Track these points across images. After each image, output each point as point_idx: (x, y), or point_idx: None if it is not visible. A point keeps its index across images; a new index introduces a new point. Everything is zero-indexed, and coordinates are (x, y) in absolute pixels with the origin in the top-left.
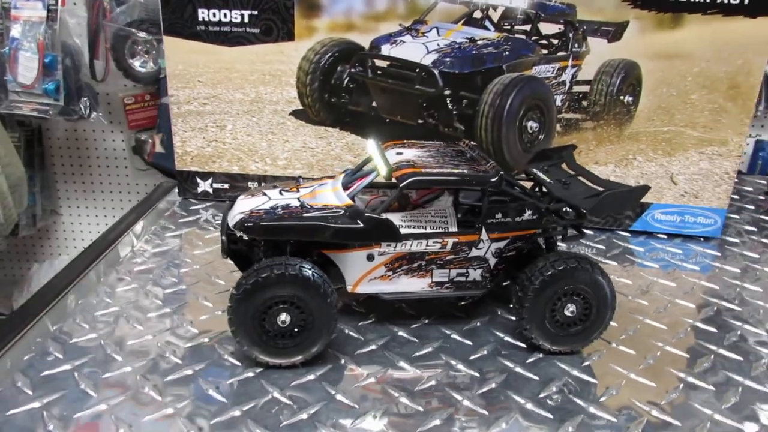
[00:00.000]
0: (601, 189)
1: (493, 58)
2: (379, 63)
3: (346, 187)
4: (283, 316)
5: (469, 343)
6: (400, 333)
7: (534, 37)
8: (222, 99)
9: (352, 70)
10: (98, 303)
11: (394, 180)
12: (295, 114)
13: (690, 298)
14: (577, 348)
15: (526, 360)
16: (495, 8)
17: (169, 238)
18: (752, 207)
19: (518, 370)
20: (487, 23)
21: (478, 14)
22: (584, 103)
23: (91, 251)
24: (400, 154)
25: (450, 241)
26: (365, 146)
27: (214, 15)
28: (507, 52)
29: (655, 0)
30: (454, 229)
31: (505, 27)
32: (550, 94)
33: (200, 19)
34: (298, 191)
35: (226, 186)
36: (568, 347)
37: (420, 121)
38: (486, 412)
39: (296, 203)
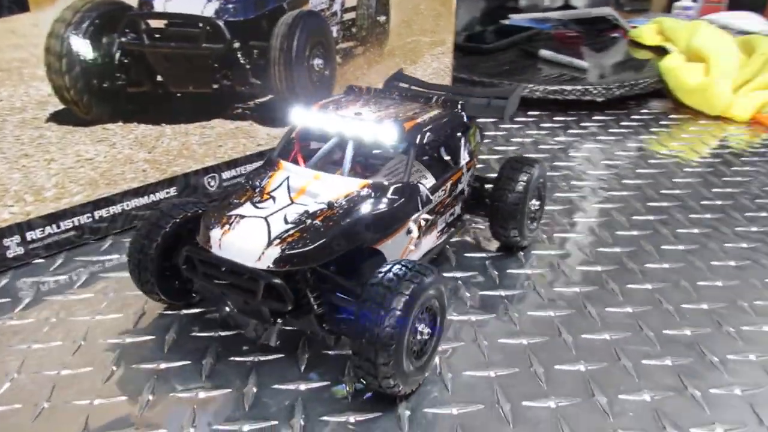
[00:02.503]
0: (482, 98)
1: None
2: (155, 24)
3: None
4: (423, 327)
5: (475, 273)
6: None
7: None
8: None
9: (123, 39)
10: None
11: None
12: (57, 117)
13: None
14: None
15: (522, 262)
16: None
17: None
18: None
19: (530, 271)
20: None
21: None
22: (353, 29)
23: None
24: (360, 114)
25: (449, 183)
26: (288, 119)
27: None
28: None
29: None
30: (429, 175)
31: None
32: (328, 26)
33: None
34: (273, 198)
35: None
36: (532, 236)
37: (215, 87)
38: (573, 310)
39: (318, 206)
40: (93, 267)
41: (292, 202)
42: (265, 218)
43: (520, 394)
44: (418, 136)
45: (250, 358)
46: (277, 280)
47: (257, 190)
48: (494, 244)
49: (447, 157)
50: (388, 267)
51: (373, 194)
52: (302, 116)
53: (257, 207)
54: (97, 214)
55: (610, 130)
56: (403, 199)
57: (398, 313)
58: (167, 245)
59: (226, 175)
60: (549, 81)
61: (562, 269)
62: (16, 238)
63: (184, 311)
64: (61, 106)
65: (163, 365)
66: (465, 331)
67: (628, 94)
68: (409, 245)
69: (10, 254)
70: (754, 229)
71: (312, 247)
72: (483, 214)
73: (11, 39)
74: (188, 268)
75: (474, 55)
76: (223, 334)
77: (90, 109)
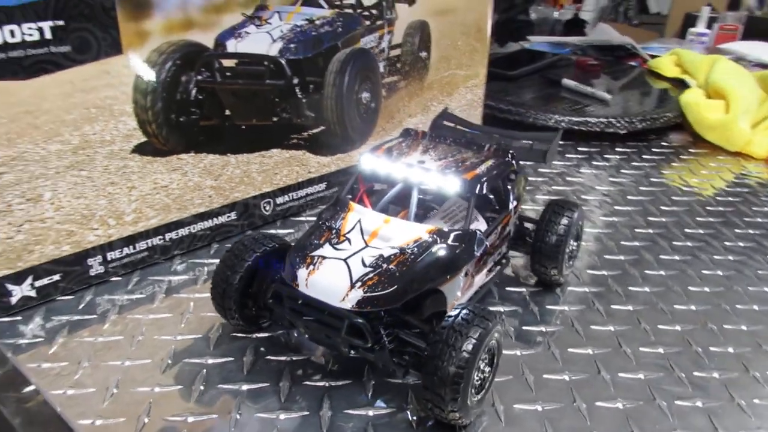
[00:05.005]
0: (527, 141)
1: (330, 37)
2: (226, 63)
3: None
4: (484, 366)
5: (518, 308)
6: None
7: (358, 10)
8: (29, 158)
9: (199, 77)
10: None
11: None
12: (139, 149)
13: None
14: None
15: (561, 299)
16: None
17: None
18: None
19: (568, 308)
20: (321, 1)
21: None
22: (398, 65)
23: None
24: (423, 162)
25: (500, 227)
26: (356, 162)
27: None
28: (340, 29)
29: None
30: (481, 218)
31: (335, 3)
32: (376, 63)
33: None
34: (348, 240)
35: (56, 277)
36: (568, 274)
37: (275, 119)
38: (610, 348)
39: (391, 251)
40: (167, 286)
41: (367, 246)
42: (345, 260)
43: (567, 428)
44: (477, 187)
45: (323, 383)
46: (360, 320)
47: (334, 232)
48: (533, 278)
49: (495, 201)
50: (456, 312)
51: (438, 240)
52: (371, 162)
53: (336, 248)
54: (167, 236)
55: (633, 164)
56: (464, 245)
57: (467, 355)
58: (248, 276)
59: (279, 200)
60: (573, 112)
61: (597, 307)
62: (99, 259)
63: (256, 335)
64: (143, 139)
65: (244, 387)
66: (514, 365)
67: (649, 128)
68: (465, 285)
69: (92, 272)
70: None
71: (389, 291)
72: (524, 252)
73: (105, 79)
74: (275, 301)
75: (499, 81)
76: (295, 358)
77: (168, 140)
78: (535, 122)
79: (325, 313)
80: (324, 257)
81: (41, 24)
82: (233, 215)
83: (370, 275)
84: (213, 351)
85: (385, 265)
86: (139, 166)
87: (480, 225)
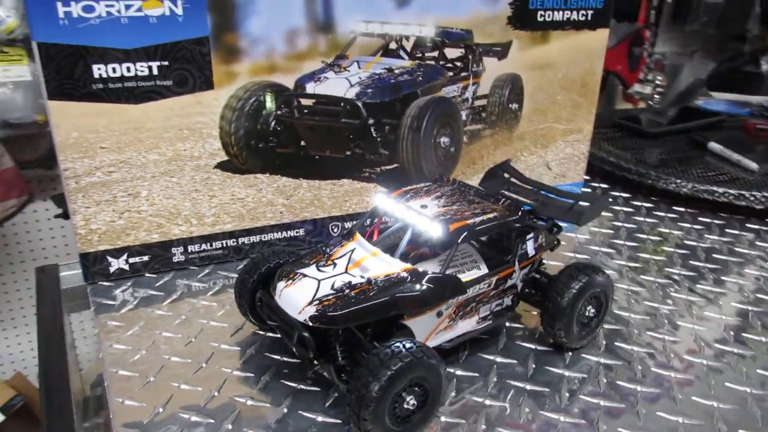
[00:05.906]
0: (568, 201)
1: (409, 85)
2: (304, 102)
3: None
4: (410, 399)
5: (515, 361)
6: (458, 372)
7: (441, 62)
8: (133, 163)
9: (278, 112)
10: None
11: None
12: (221, 166)
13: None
14: (590, 340)
15: (566, 362)
16: (408, 38)
17: (141, 335)
18: None
19: (567, 373)
20: (402, 53)
21: (393, 45)
22: (483, 114)
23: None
24: (425, 207)
25: (494, 278)
26: (371, 198)
27: (114, 70)
28: (420, 78)
29: (529, 21)
30: (484, 266)
31: (417, 55)
32: (457, 111)
33: (96, 76)
34: (334, 264)
35: (146, 258)
36: (585, 342)
37: (348, 153)
38: (584, 421)
39: (360, 280)
40: (226, 281)
41: (345, 272)
42: (319, 281)
43: None
44: (461, 237)
45: (295, 384)
46: (305, 333)
47: (326, 256)
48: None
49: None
50: (390, 343)
51: (408, 278)
52: (382, 201)
53: (319, 270)
54: (240, 240)
55: (757, 243)
56: (433, 287)
57: (382, 383)
58: (260, 282)
59: (348, 224)
60: (700, 179)
61: (599, 379)
62: (181, 249)
63: (270, 334)
64: (225, 158)
65: (235, 372)
66: (473, 412)
67: None
68: (439, 326)
69: (175, 260)
70: None
71: (339, 313)
72: (536, 306)
73: (197, 108)
74: (260, 307)
75: (639, 138)
76: (286, 359)
77: (247, 162)
78: (655, 185)
79: (287, 323)
80: (305, 275)
81: (151, 63)
82: (302, 231)
83: (330, 297)
84: (229, 339)
85: (347, 291)
86: (220, 179)
87: (477, 272)
